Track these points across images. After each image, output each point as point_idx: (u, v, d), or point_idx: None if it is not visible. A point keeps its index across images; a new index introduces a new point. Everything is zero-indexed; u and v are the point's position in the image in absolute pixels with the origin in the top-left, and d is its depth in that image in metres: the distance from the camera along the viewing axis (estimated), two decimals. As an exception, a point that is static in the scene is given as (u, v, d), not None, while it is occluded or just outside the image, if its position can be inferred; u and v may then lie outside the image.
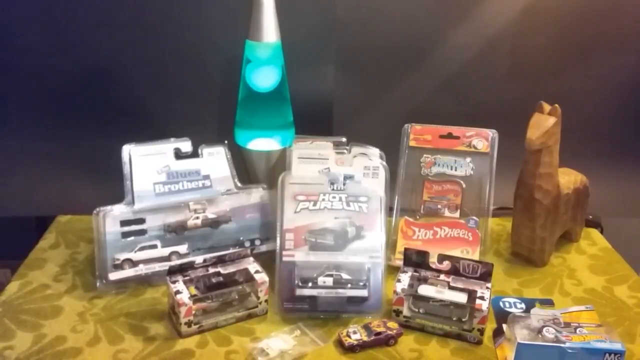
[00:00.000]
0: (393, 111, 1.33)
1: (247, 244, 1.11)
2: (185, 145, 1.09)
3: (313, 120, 1.24)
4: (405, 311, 0.98)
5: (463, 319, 0.96)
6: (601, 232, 1.30)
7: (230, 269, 1.00)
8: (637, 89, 1.35)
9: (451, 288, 0.98)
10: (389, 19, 1.28)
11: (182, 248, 1.08)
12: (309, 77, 1.29)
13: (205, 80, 1.30)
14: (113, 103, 1.29)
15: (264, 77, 1.15)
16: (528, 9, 1.28)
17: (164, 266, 1.01)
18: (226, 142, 1.13)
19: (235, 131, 1.20)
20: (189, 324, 0.94)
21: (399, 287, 0.98)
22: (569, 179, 1.16)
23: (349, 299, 0.99)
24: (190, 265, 0.99)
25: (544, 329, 0.88)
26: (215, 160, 1.11)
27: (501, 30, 1.29)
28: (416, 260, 1.01)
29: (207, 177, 1.10)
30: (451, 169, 1.15)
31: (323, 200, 1.06)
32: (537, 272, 1.14)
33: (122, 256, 1.04)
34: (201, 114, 1.32)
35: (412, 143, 1.16)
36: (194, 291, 0.96)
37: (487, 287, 0.97)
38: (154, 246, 1.06)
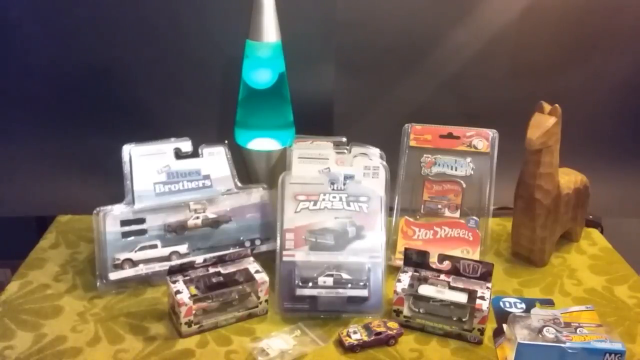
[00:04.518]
0: (393, 111, 1.33)
1: (247, 243, 1.11)
2: (186, 145, 1.09)
3: (313, 120, 1.24)
4: (406, 311, 0.98)
5: (463, 319, 0.96)
6: (601, 232, 1.30)
7: (230, 268, 1.00)
8: (637, 89, 1.35)
9: (451, 288, 0.98)
10: (389, 19, 1.28)
11: (182, 248, 1.07)
12: (309, 77, 1.29)
13: (205, 80, 1.30)
14: (113, 103, 1.29)
15: (261, 73, 1.15)
16: (528, 8, 1.28)
17: (164, 266, 1.01)
18: (226, 142, 1.13)
19: (236, 131, 1.20)
20: (189, 323, 0.94)
21: (399, 287, 0.98)
22: (569, 179, 1.16)
23: (349, 298, 0.99)
24: (191, 265, 0.99)
25: (544, 329, 0.88)
26: (215, 160, 1.11)
27: (501, 30, 1.29)
28: (416, 260, 1.01)
29: (207, 177, 1.10)
30: (451, 169, 1.15)
31: (323, 200, 1.06)
32: (537, 272, 1.14)
33: (122, 256, 1.04)
34: (201, 114, 1.32)
35: (412, 143, 1.16)
36: (194, 291, 0.96)
37: (488, 287, 0.97)
38: (154, 246, 1.06)
